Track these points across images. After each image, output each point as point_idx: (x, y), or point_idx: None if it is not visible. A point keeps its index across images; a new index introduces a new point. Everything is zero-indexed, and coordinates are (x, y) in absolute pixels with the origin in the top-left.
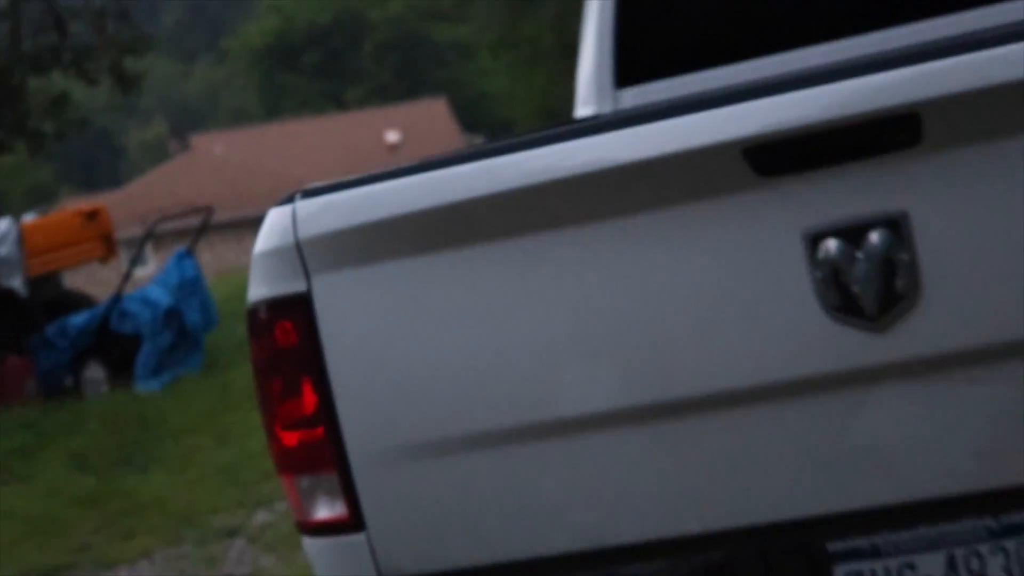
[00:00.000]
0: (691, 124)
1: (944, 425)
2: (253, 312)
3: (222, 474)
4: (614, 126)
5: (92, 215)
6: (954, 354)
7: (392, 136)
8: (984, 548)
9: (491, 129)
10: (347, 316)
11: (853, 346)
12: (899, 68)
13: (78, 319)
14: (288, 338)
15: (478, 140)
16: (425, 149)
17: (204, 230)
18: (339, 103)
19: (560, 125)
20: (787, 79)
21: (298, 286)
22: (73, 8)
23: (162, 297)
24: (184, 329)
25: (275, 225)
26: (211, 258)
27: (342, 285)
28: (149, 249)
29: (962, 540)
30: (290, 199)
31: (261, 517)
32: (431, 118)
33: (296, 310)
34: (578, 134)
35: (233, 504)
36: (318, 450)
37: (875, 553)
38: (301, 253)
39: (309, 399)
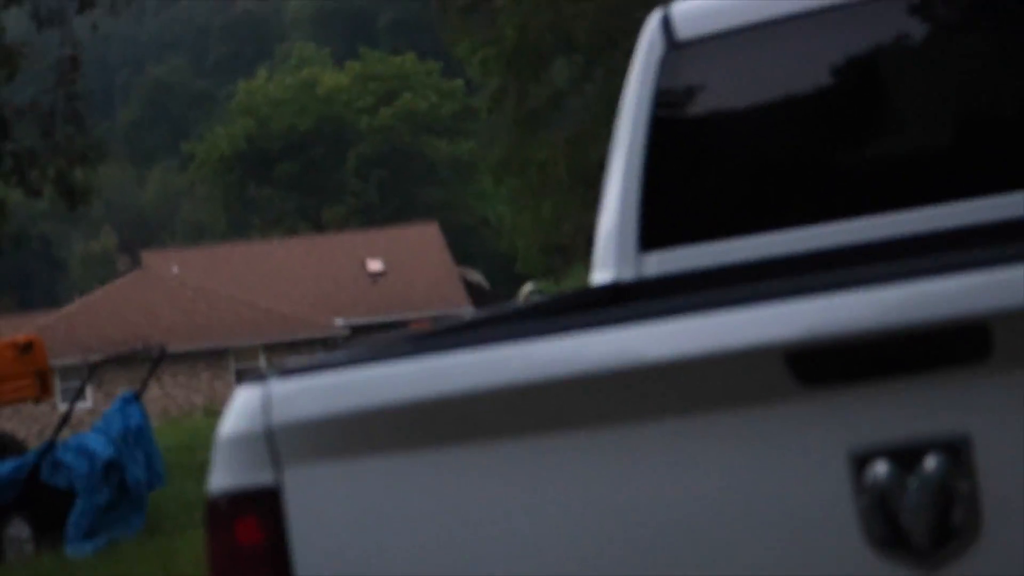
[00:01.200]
0: (727, 322)
1: None
2: (213, 505)
3: None
4: (638, 318)
5: (26, 348)
6: None
7: (375, 264)
8: None
9: (488, 263)
10: (322, 517)
11: None
12: (969, 273)
13: (3, 467)
14: (252, 537)
15: (475, 274)
16: (412, 280)
17: (155, 370)
18: (316, 223)
19: (575, 296)
20: (840, 278)
21: (267, 479)
22: (18, 106)
23: (102, 447)
24: (125, 485)
25: (244, 407)
26: (159, 395)
27: (318, 481)
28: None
29: None
30: (263, 378)
31: None
32: (420, 245)
33: (263, 506)
34: (597, 325)
35: None
36: None
37: None
38: (272, 442)
39: None
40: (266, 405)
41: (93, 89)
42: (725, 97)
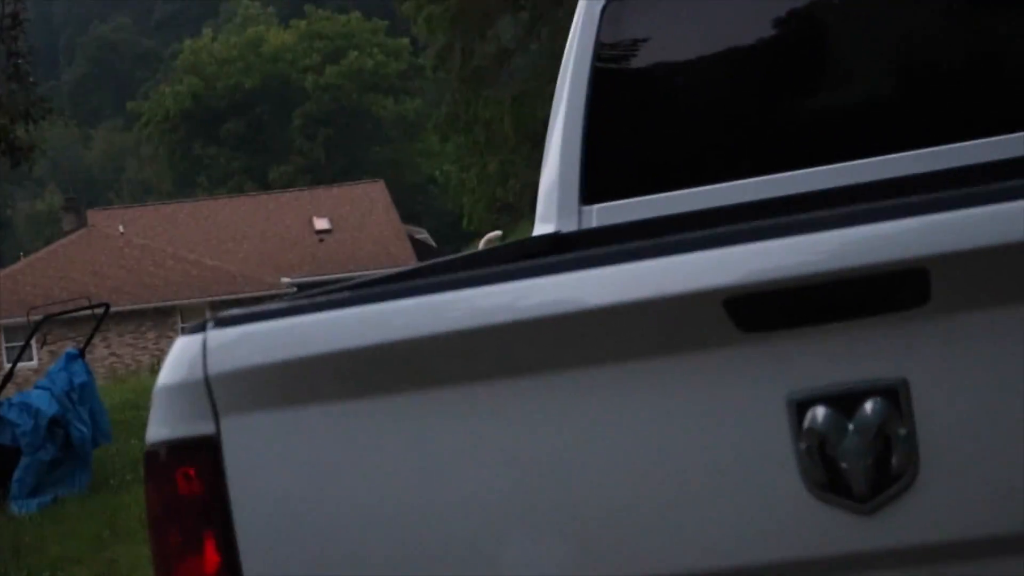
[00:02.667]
0: (666, 268)
1: None
2: (152, 454)
3: None
4: (578, 265)
5: None
6: (953, 545)
7: (322, 222)
8: None
9: (434, 221)
10: (260, 465)
11: (838, 530)
12: (907, 218)
13: None
14: (190, 487)
15: (421, 232)
16: (358, 238)
17: (99, 326)
18: (263, 181)
19: (517, 246)
20: (778, 224)
21: (205, 428)
22: None
23: (46, 404)
24: (70, 442)
25: (182, 356)
26: (106, 354)
27: (256, 430)
28: (33, 340)
29: None
30: (201, 327)
31: None
32: (367, 204)
33: (201, 456)
34: (537, 272)
35: None
36: None
37: None
38: (210, 391)
39: (211, 558)
40: (204, 354)
41: (37, 47)
42: (667, 49)
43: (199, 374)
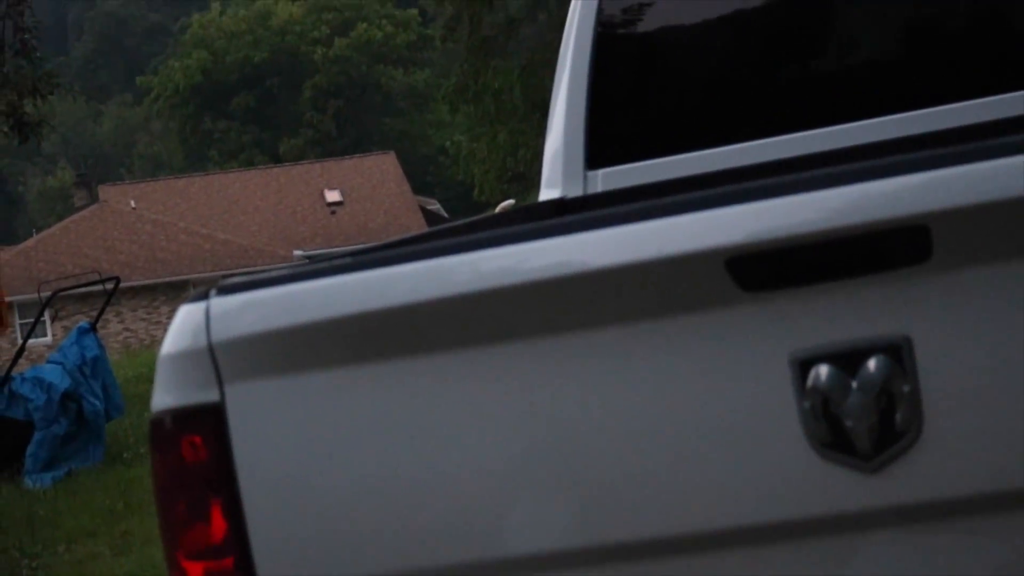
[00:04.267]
0: (667, 229)
1: None
2: (157, 423)
3: None
4: (580, 227)
5: None
6: (958, 501)
7: (333, 195)
8: None
9: (445, 192)
10: (265, 432)
11: (843, 488)
12: (908, 174)
13: None
14: (196, 455)
15: (433, 203)
16: (370, 210)
17: (110, 300)
18: (274, 154)
19: (521, 211)
20: (779, 182)
21: (209, 396)
22: None
23: (59, 379)
24: (83, 416)
25: (185, 324)
26: (120, 329)
27: (261, 396)
28: (46, 315)
29: None
30: (204, 295)
31: None
32: (378, 175)
33: (206, 423)
34: (539, 235)
35: None
36: None
37: None
38: (214, 358)
39: (218, 525)
40: (207, 322)
41: (45, 23)
42: (668, 13)
43: (203, 342)
